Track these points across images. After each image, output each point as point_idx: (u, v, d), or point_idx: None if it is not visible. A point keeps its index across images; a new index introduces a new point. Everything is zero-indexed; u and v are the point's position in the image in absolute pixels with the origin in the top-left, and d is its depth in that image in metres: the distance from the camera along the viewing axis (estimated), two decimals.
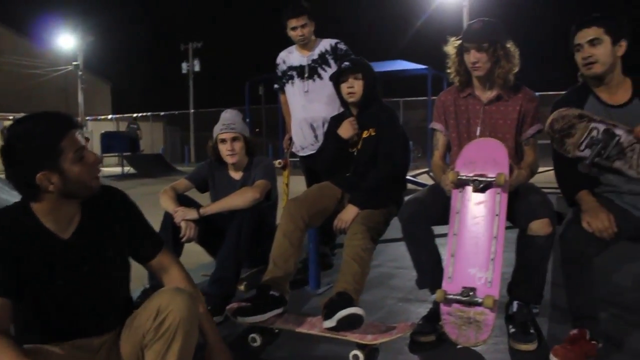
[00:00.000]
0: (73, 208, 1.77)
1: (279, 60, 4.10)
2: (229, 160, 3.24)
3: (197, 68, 33.31)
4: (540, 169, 2.85)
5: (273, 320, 2.65)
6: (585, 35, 2.47)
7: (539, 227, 2.49)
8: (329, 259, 3.98)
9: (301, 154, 4.09)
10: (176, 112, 31.97)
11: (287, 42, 4.08)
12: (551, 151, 2.61)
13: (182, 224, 3.04)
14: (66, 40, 29.90)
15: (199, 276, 3.44)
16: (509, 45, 2.71)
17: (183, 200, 3.22)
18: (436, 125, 2.93)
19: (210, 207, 3.15)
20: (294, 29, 3.88)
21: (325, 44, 3.97)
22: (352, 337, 2.46)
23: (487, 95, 2.79)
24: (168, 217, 3.09)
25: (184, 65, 33.54)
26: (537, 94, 2.85)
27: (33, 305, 1.74)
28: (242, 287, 3.43)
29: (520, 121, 2.76)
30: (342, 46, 3.94)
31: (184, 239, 3.03)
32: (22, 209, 1.74)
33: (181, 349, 1.71)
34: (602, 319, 2.80)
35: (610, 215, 2.34)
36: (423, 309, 2.91)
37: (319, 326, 2.55)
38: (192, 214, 3.07)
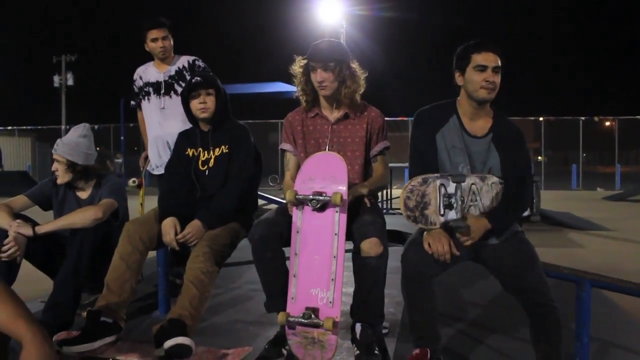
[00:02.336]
0: None
1: (135, 76, 3.98)
2: (58, 180, 3.14)
3: (70, 82, 31.71)
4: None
5: (104, 349, 2.49)
6: (491, 59, 2.45)
7: (369, 247, 2.50)
8: (179, 281, 3.84)
9: (156, 172, 3.96)
10: (46, 127, 30.11)
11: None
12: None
13: (10, 237, 2.82)
14: None
15: (37, 303, 3.17)
16: (355, 65, 2.76)
17: (20, 219, 2.98)
18: (285, 145, 2.91)
19: (47, 225, 2.95)
20: (154, 40, 3.79)
21: (184, 60, 3.90)
22: None
23: (334, 114, 2.81)
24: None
25: (56, 79, 31.82)
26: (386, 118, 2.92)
27: None
28: (84, 314, 3.21)
29: (368, 139, 2.80)
30: (200, 63, 3.88)
31: (3, 255, 2.79)
32: None
33: None
34: (447, 335, 2.90)
35: (450, 240, 2.38)
36: (273, 333, 2.85)
37: (152, 355, 2.42)
38: (27, 229, 2.87)
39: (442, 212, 2.41)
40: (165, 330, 2.39)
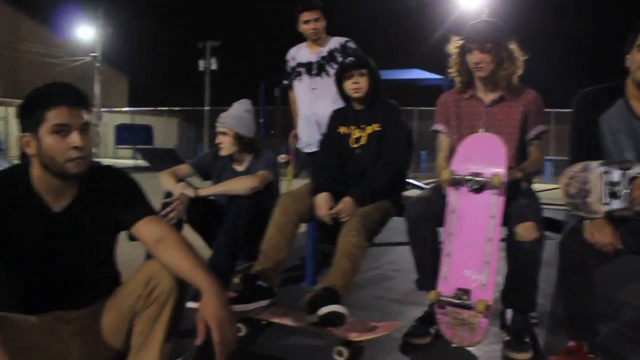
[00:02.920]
0: (62, 183, 1.74)
1: (288, 56, 4.09)
2: (222, 152, 3.28)
3: (214, 66, 33.40)
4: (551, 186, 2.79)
5: (259, 311, 2.61)
6: None
7: (524, 231, 2.43)
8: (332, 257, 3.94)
9: (306, 150, 4.08)
10: (190, 109, 32.05)
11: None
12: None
13: (175, 196, 3.02)
14: (85, 31, 30.10)
15: None
16: (512, 46, 2.67)
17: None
18: (438, 126, 2.89)
19: (208, 189, 3.14)
20: (306, 22, 3.87)
21: (335, 42, 3.95)
22: (336, 332, 2.42)
23: (489, 96, 2.74)
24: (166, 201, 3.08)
25: (201, 63, 33.64)
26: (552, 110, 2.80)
27: (16, 272, 1.74)
28: (236, 280, 3.41)
29: (524, 123, 2.71)
30: (351, 44, 3.93)
31: (169, 215, 2.97)
32: (22, 170, 1.76)
33: (172, 315, 1.72)
34: (602, 334, 2.75)
35: (615, 231, 2.23)
36: (418, 312, 2.86)
37: (305, 320, 2.50)
38: (190, 191, 3.07)
39: (606, 201, 2.27)
40: (319, 297, 2.46)
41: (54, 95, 1.69)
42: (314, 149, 3.95)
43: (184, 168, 3.38)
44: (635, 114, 2.38)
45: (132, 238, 1.91)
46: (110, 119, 28.33)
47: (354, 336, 2.40)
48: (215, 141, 3.31)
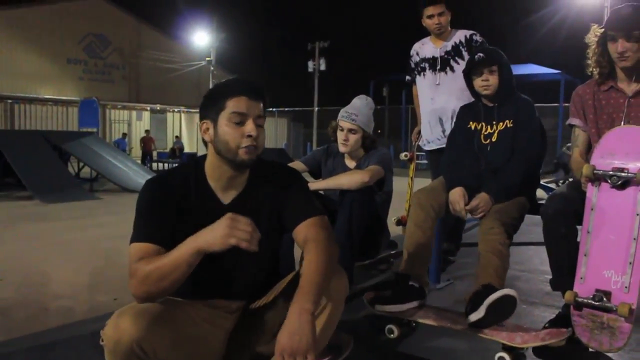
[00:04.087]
0: (233, 172, 1.80)
1: (412, 51, 4.03)
2: (341, 148, 3.20)
3: (322, 67, 33.87)
4: None
5: (412, 312, 2.57)
6: None
7: None
8: (452, 254, 3.88)
9: (427, 147, 4.02)
10: (300, 109, 32.71)
11: (415, 39, 4.03)
12: None
13: None
14: (201, 37, 31.65)
15: None
16: None
17: None
18: (574, 120, 2.75)
19: (318, 183, 3.11)
20: (430, 17, 3.78)
21: (460, 35, 3.84)
22: (499, 337, 2.33)
23: (632, 87, 2.58)
24: None
25: (310, 64, 34.23)
26: None
27: None
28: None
29: None
30: (477, 38, 3.80)
31: None
32: (195, 164, 1.85)
33: (328, 318, 1.73)
34: None
35: None
36: (549, 314, 2.76)
37: (461, 322, 2.44)
38: None
39: None
40: (481, 293, 2.41)
41: (236, 86, 1.78)
42: (435, 146, 3.90)
43: (296, 165, 3.42)
44: None
45: None
46: None
47: (519, 342, 2.30)
48: (338, 136, 3.21)
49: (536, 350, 2.41)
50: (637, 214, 2.28)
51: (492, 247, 2.54)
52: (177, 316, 1.68)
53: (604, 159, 2.38)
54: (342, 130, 3.16)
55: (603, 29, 2.59)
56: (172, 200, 1.77)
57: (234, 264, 1.82)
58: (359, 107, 3.23)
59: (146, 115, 31.51)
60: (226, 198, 1.83)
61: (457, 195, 2.75)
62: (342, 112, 3.22)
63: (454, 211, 2.77)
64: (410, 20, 3.97)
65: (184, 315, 1.73)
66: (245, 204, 1.82)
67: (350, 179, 2.97)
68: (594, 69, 2.67)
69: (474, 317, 2.34)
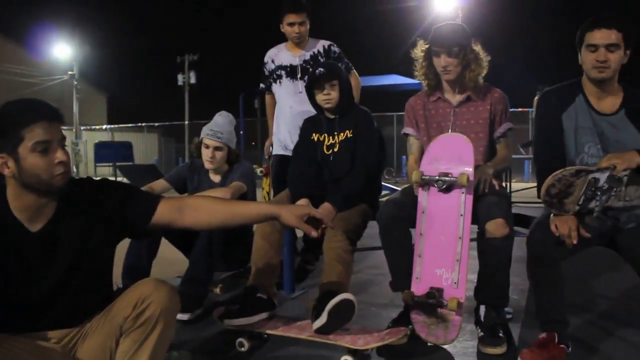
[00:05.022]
0: (41, 201, 1.71)
1: (267, 58, 4.03)
2: (207, 165, 3.31)
3: (192, 80, 33.38)
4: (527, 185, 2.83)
5: (261, 324, 2.59)
6: (606, 37, 2.34)
7: (494, 228, 2.49)
8: (311, 264, 3.96)
9: (285, 152, 3.97)
10: (170, 124, 31.94)
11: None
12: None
13: None
14: (62, 50, 29.99)
15: (175, 278, 3.43)
16: (477, 48, 2.75)
17: None
18: (408, 129, 2.95)
19: None
20: (291, 24, 3.81)
21: (319, 45, 3.92)
22: (342, 341, 2.40)
23: (456, 97, 2.82)
24: None
25: (180, 77, 33.61)
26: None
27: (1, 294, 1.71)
28: (217, 290, 3.43)
29: (491, 121, 2.79)
30: (335, 49, 3.90)
31: None
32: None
33: (159, 339, 1.70)
34: (574, 325, 2.81)
35: (577, 223, 2.30)
36: (395, 314, 2.90)
37: (308, 330, 2.48)
38: None
39: (580, 202, 2.32)
40: (323, 299, 2.46)
41: (29, 112, 1.66)
42: (288, 153, 3.91)
43: (160, 183, 3.40)
44: (595, 109, 2.46)
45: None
46: (89, 137, 28.09)
47: (362, 344, 2.38)
48: (203, 154, 3.29)
49: (379, 350, 2.52)
50: (461, 215, 2.48)
51: (336, 254, 2.64)
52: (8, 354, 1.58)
53: (431, 165, 2.56)
54: (207, 147, 3.27)
55: (428, 45, 2.79)
56: None
57: (52, 292, 1.74)
58: (222, 125, 3.31)
59: None
60: (34, 226, 1.73)
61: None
62: (206, 129, 3.30)
63: None
64: (280, 32, 4.01)
65: (9, 352, 1.62)
66: (56, 230, 1.74)
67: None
68: (423, 81, 2.87)
69: (318, 323, 2.41)
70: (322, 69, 2.99)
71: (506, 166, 2.87)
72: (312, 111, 3.24)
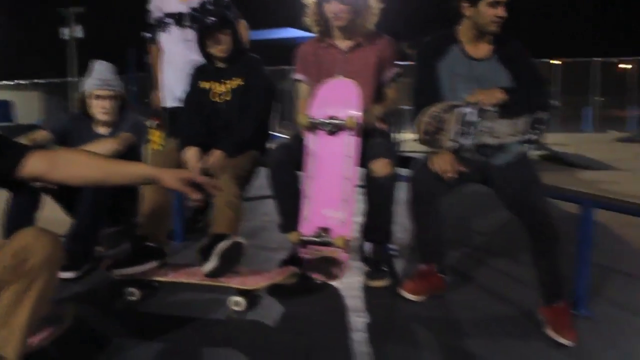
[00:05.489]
0: None
1: (152, 7, 3.89)
2: (102, 117, 3.15)
3: (79, 34, 31.47)
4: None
5: (151, 272, 2.57)
6: None
7: (379, 167, 2.60)
8: (202, 214, 3.95)
9: (176, 104, 3.83)
10: (55, 81, 30.14)
11: None
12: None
13: None
14: None
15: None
16: None
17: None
18: (298, 75, 2.99)
19: None
20: None
21: None
22: (232, 282, 2.43)
23: (346, 43, 2.86)
24: None
25: (65, 31, 31.59)
26: None
27: None
28: (100, 248, 3.34)
29: (380, 67, 2.87)
30: None
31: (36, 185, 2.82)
32: None
33: (41, 291, 1.65)
34: (453, 258, 3.03)
35: (453, 159, 2.45)
36: (285, 256, 2.98)
37: (198, 275, 2.49)
38: None
39: (454, 138, 2.44)
40: (212, 243, 2.47)
41: None
42: (179, 104, 3.82)
43: (41, 134, 3.23)
44: (471, 56, 2.60)
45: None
46: None
47: (251, 284, 2.42)
48: (94, 106, 3.14)
49: (271, 290, 2.60)
50: (347, 156, 2.57)
51: (227, 199, 2.65)
52: None
53: (320, 109, 2.63)
54: (100, 98, 3.12)
55: None
56: None
57: None
58: (108, 73, 3.19)
59: None
60: None
61: (190, 155, 2.83)
62: (93, 81, 3.14)
63: (190, 169, 2.82)
64: None
65: None
66: None
67: (102, 148, 2.88)
68: (314, 28, 2.90)
69: (208, 266, 2.43)
70: (213, 18, 2.95)
71: (394, 108, 2.97)
72: (202, 59, 3.18)
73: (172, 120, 3.91)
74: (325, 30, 2.89)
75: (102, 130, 3.22)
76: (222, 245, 2.42)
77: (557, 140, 13.47)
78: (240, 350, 2.12)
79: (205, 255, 2.45)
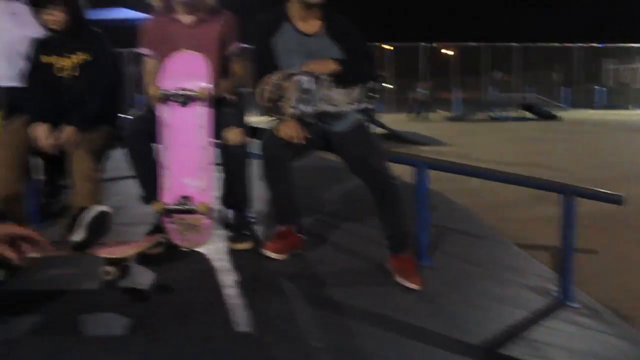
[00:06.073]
0: None
1: None
2: None
3: None
4: None
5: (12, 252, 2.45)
6: None
7: (232, 136, 2.73)
8: (53, 196, 3.79)
9: (4, 83, 3.54)
10: None
11: None
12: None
13: None
14: None
15: None
16: None
17: None
18: (144, 50, 3.00)
19: None
20: None
21: None
22: (101, 253, 2.40)
23: (190, 18, 2.93)
24: None
25: None
26: None
27: None
28: None
29: (222, 41, 2.96)
30: None
31: None
32: None
33: None
34: (307, 222, 3.24)
35: (298, 125, 2.62)
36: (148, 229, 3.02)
37: (66, 248, 2.42)
38: None
39: (294, 105, 2.62)
40: (77, 216, 2.44)
41: None
42: (17, 82, 3.63)
43: None
44: (302, 32, 2.78)
45: None
46: None
47: (119, 253, 2.41)
48: None
49: (139, 259, 2.63)
50: (201, 126, 2.67)
51: (84, 174, 2.64)
52: None
53: (169, 81, 2.69)
54: None
55: None
56: None
57: None
58: None
59: None
60: None
61: (40, 131, 2.76)
62: None
63: (41, 147, 2.76)
64: None
65: None
66: None
67: None
68: (156, 2, 2.93)
69: (76, 238, 2.41)
70: None
71: (240, 84, 3.09)
72: (29, 36, 3.06)
73: (9, 99, 3.70)
74: (167, 6, 2.93)
75: None
76: (90, 215, 2.42)
77: (392, 120, 14.47)
78: (120, 316, 2.17)
79: (71, 227, 2.43)
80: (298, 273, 2.62)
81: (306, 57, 2.72)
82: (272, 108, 2.63)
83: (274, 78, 2.61)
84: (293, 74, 2.61)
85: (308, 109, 2.64)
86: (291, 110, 2.60)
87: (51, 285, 2.45)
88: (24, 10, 3.47)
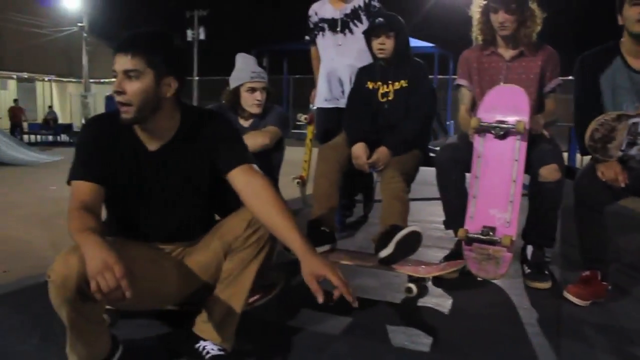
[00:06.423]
0: (153, 127, 1.82)
1: (311, 12, 4.12)
2: (254, 110, 3.16)
3: (202, 36, 33.14)
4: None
5: (325, 255, 2.72)
6: None
7: (548, 172, 2.68)
8: (349, 210, 4.13)
9: (322, 105, 4.09)
10: None
11: (291, 9, 4.07)
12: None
13: None
14: (71, 1, 29.69)
15: None
16: (534, 5, 2.88)
17: None
18: (461, 81, 3.11)
19: None
20: None
21: (359, 0, 4.02)
22: (405, 270, 2.57)
23: (510, 53, 2.96)
24: None
25: (189, 33, 33.38)
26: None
27: (117, 206, 1.91)
28: None
29: (541, 76, 2.94)
30: (375, 3, 3.98)
31: None
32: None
33: (265, 260, 1.87)
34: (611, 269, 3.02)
35: (622, 168, 2.48)
36: (441, 253, 3.11)
37: (372, 260, 2.65)
38: None
39: (623, 148, 2.50)
40: (389, 232, 2.63)
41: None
42: (330, 105, 4.04)
43: None
44: (633, 68, 2.61)
45: None
46: (99, 90, 28.12)
47: (423, 272, 2.55)
48: (247, 98, 3.15)
49: (435, 280, 2.75)
50: (515, 160, 2.67)
51: (395, 194, 2.81)
52: (127, 254, 1.65)
53: (488, 113, 2.74)
54: (253, 91, 3.13)
55: (486, 2, 2.93)
56: (104, 140, 1.83)
57: (162, 208, 1.91)
58: (255, 65, 3.25)
59: (12, 84, 29.28)
60: (153, 146, 1.86)
61: (359, 149, 2.97)
62: (248, 73, 3.17)
63: (357, 165, 2.99)
64: None
65: (135, 253, 1.79)
66: (171, 152, 1.87)
67: (252, 142, 2.84)
68: (478, 36, 3.02)
69: (384, 253, 2.58)
70: (381, 19, 3.11)
71: (554, 120, 3.02)
72: (353, 64, 3.35)
73: (320, 120, 4.17)
74: (489, 38, 2.99)
75: (245, 123, 3.23)
76: (402, 233, 2.57)
77: None
78: (420, 332, 2.30)
79: (382, 242, 2.61)
80: (602, 324, 2.46)
81: (635, 96, 2.56)
82: (598, 148, 2.52)
83: (604, 117, 2.50)
84: (625, 115, 2.47)
85: (635, 152, 2.48)
86: (619, 153, 2.47)
87: (359, 292, 2.68)
88: (347, 41, 3.89)
